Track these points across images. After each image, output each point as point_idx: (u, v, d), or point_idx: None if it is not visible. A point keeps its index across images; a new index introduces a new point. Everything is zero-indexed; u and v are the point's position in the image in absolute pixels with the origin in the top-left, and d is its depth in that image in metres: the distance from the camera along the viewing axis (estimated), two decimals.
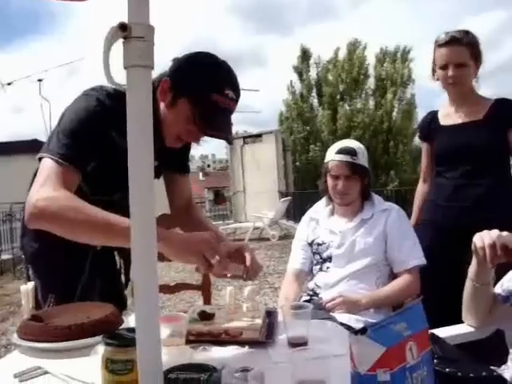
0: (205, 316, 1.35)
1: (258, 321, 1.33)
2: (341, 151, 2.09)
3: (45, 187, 1.31)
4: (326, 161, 2.16)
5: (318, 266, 2.13)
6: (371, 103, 13.72)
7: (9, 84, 14.61)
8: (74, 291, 1.63)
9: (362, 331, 0.66)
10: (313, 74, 14.04)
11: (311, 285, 2.12)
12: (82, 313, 1.39)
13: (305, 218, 2.30)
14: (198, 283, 2.39)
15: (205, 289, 2.34)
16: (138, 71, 0.61)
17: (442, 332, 1.59)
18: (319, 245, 2.14)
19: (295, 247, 2.26)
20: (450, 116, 2.39)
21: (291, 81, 14.24)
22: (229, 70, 1.48)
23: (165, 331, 1.18)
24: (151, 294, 0.66)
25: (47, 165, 1.36)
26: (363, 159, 2.11)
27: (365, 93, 13.83)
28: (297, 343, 1.23)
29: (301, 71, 14.05)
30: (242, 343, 1.27)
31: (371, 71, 13.66)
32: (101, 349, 1.03)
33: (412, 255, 2.03)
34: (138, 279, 0.65)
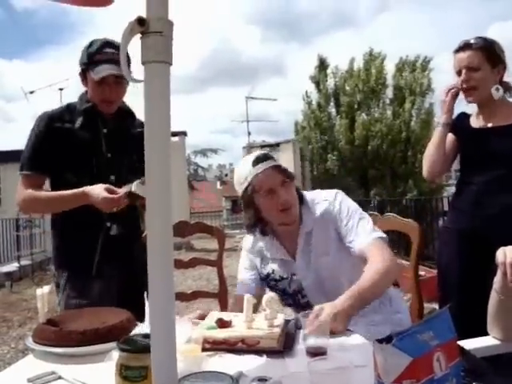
0: (222, 323, 1.33)
1: (277, 329, 1.29)
2: (259, 160, 1.71)
3: (18, 194, 1.96)
4: (242, 186, 1.73)
5: (289, 301, 1.83)
6: (389, 112, 13.60)
7: (31, 93, 14.82)
8: (89, 266, 1.93)
9: (388, 340, 0.62)
10: (330, 83, 14.02)
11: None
12: (97, 318, 1.38)
13: (245, 256, 1.91)
14: (215, 291, 2.38)
15: (221, 297, 2.32)
16: (156, 67, 0.58)
17: (468, 343, 1.53)
18: (277, 280, 1.82)
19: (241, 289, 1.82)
20: (479, 120, 2.33)
21: (306, 91, 14.22)
22: (104, 40, 1.94)
23: (181, 338, 1.16)
24: (167, 301, 0.64)
25: (20, 178, 1.98)
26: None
27: (382, 102, 13.72)
28: (315, 353, 1.20)
29: (318, 81, 14.02)
30: (258, 352, 1.24)
31: (389, 81, 13.58)
32: (115, 355, 1.02)
33: (369, 231, 1.71)
34: (153, 284, 0.62)
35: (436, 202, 8.27)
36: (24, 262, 10.04)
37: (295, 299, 1.81)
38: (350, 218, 1.73)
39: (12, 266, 9.64)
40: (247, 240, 1.92)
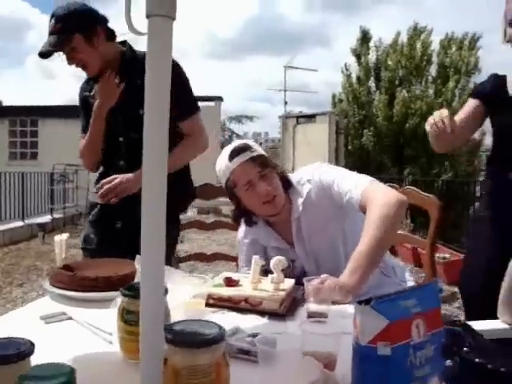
0: (228, 282, 1.36)
1: (281, 293, 1.32)
2: (234, 154, 1.64)
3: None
4: (223, 180, 1.71)
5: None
6: (431, 91, 13.20)
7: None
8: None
9: (367, 302, 0.64)
10: (372, 57, 13.67)
11: None
12: (112, 268, 1.44)
13: (242, 249, 1.86)
14: (236, 255, 2.42)
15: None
16: (159, 21, 0.59)
17: (477, 325, 1.52)
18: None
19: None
20: None
21: (345, 63, 13.92)
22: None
23: (188, 294, 1.20)
24: (157, 249, 0.66)
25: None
26: (260, 149, 1.72)
27: (425, 80, 13.30)
28: (316, 317, 1.22)
29: (359, 54, 13.69)
30: (260, 313, 1.27)
31: (434, 58, 13.11)
32: (120, 301, 1.06)
33: (358, 179, 1.65)
34: (145, 230, 0.65)
35: (471, 185, 7.99)
36: (56, 215, 10.40)
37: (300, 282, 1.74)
38: (335, 182, 1.66)
39: (45, 218, 9.99)
40: (241, 231, 1.86)
